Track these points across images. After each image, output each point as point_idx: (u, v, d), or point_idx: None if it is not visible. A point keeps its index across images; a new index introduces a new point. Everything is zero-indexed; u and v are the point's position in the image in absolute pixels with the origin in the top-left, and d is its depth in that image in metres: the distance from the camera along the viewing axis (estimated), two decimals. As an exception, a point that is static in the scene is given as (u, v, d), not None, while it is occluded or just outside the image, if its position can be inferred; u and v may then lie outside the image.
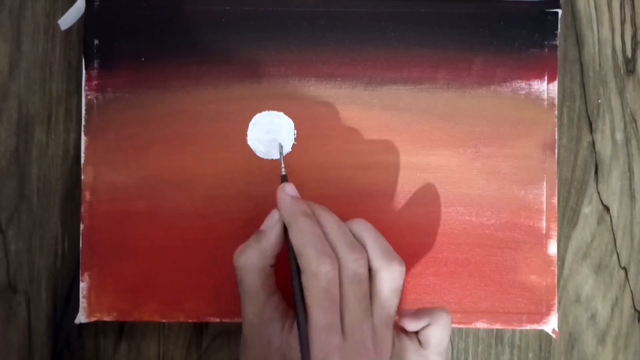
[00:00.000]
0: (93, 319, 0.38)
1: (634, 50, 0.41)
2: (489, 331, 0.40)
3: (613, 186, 0.41)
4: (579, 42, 0.41)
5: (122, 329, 0.40)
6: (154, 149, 0.39)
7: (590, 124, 0.41)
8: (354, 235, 0.33)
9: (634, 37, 0.41)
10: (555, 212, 0.39)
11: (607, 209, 0.41)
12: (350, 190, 0.39)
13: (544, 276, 0.39)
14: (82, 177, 0.38)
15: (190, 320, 0.38)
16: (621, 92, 0.41)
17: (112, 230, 0.38)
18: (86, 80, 0.39)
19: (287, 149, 0.39)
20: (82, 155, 0.39)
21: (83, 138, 0.39)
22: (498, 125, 0.39)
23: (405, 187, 0.39)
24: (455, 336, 0.40)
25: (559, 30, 0.39)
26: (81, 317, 0.38)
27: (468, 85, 0.39)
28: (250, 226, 0.35)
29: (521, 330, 0.40)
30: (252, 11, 0.39)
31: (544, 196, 0.39)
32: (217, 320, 0.38)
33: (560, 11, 0.39)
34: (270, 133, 0.39)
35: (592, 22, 0.41)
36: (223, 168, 0.39)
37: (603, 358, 0.40)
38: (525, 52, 0.39)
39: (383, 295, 0.32)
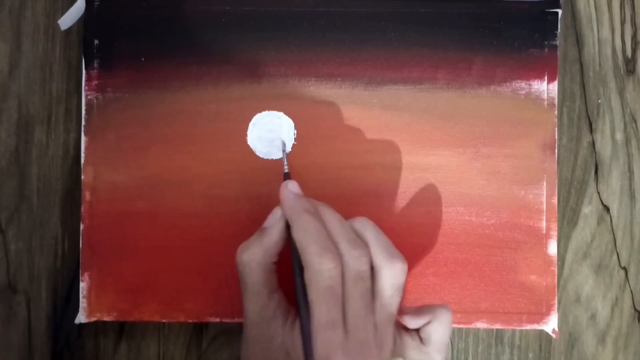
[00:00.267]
0: (93, 319, 0.38)
1: (634, 50, 0.41)
2: (489, 331, 0.40)
3: (613, 186, 0.41)
4: (579, 42, 0.41)
5: (122, 329, 0.40)
6: (154, 149, 0.39)
7: (590, 124, 0.41)
8: (357, 233, 0.33)
9: (634, 37, 0.41)
10: (555, 212, 0.39)
11: (607, 209, 0.41)
12: (350, 190, 0.39)
13: (544, 276, 0.39)
14: (82, 177, 0.38)
15: (190, 320, 0.38)
16: (621, 92, 0.41)
17: (112, 230, 0.38)
18: (86, 80, 0.39)
19: (287, 149, 0.39)
20: (82, 155, 0.39)
21: (83, 138, 0.39)
22: (498, 125, 0.39)
23: (405, 187, 0.39)
24: (455, 336, 0.40)
25: (559, 30, 0.39)
26: (81, 317, 0.38)
27: (468, 85, 0.39)
28: (251, 226, 0.35)
29: (521, 330, 0.40)
30: (252, 11, 0.39)
31: (544, 196, 0.39)
32: (217, 320, 0.38)
33: (560, 11, 0.39)
34: (270, 133, 0.39)
35: (592, 22, 0.41)
36: (223, 168, 0.39)
37: (603, 358, 0.40)
38: (525, 52, 0.39)
39: (385, 292, 0.32)
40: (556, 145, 0.39)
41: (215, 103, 0.39)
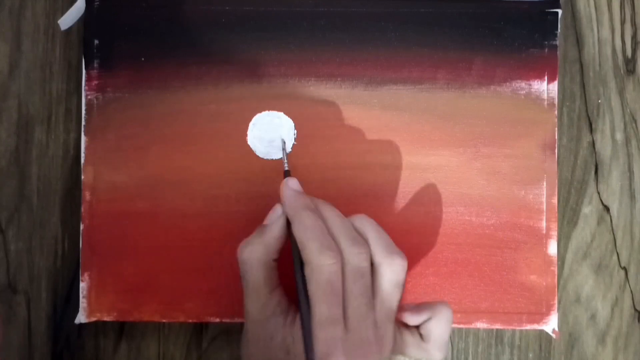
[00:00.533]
0: (93, 319, 0.38)
1: (634, 50, 0.41)
2: (489, 331, 0.40)
3: (613, 186, 0.41)
4: (579, 42, 0.41)
5: (122, 329, 0.40)
6: (154, 149, 0.39)
7: (590, 124, 0.41)
8: (357, 230, 0.33)
9: (634, 37, 0.41)
10: (555, 212, 0.39)
11: (607, 209, 0.41)
12: (350, 190, 0.39)
13: (544, 276, 0.39)
14: (82, 177, 0.38)
15: (190, 320, 0.38)
16: (621, 92, 0.41)
17: (112, 230, 0.38)
18: (86, 80, 0.39)
19: (287, 149, 0.39)
20: (82, 155, 0.39)
21: (83, 138, 0.39)
22: (498, 125, 0.39)
23: (405, 187, 0.39)
24: (455, 336, 0.40)
25: (559, 30, 0.39)
26: (81, 317, 0.38)
27: (468, 85, 0.39)
28: (251, 226, 0.35)
29: (521, 330, 0.40)
30: (252, 11, 0.39)
31: (544, 196, 0.39)
32: (217, 320, 0.38)
33: (560, 11, 0.39)
34: (270, 133, 0.39)
35: (592, 22, 0.41)
36: (223, 168, 0.39)
37: (603, 358, 0.40)
38: (525, 52, 0.39)
39: (385, 289, 0.32)
40: (556, 145, 0.39)
41: (215, 103, 0.39)
